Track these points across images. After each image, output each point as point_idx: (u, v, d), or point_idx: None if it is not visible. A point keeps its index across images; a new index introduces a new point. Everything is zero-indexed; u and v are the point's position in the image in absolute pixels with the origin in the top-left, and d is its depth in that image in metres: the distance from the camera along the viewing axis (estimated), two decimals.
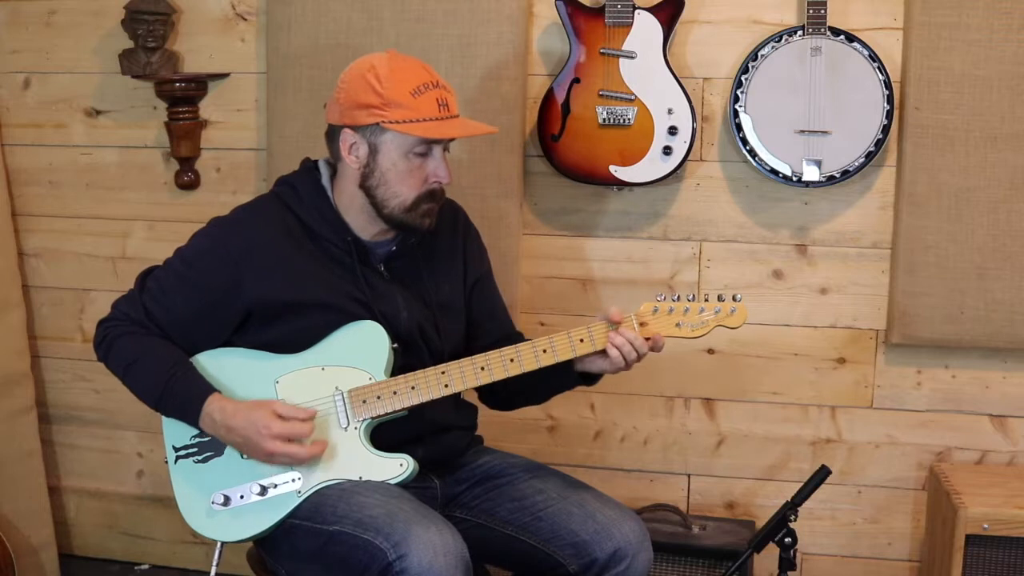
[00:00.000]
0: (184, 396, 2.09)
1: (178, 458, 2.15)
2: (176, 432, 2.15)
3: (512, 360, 2.08)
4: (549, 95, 2.75)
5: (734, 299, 2.09)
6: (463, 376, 2.09)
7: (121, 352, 2.14)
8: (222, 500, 2.10)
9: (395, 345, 2.12)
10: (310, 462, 2.07)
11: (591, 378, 2.18)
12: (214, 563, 2.27)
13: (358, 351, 2.11)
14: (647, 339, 2.08)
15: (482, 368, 2.09)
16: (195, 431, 2.12)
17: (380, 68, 2.08)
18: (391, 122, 2.06)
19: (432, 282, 2.24)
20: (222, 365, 2.15)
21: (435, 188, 2.14)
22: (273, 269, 2.11)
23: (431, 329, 2.21)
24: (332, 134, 2.16)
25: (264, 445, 2.03)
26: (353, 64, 2.15)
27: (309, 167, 2.23)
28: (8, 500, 3.08)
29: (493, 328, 2.34)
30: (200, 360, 2.15)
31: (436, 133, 2.08)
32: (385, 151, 2.09)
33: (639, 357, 2.08)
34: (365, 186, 2.13)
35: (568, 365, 2.12)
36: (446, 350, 2.21)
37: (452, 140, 2.15)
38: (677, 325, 2.09)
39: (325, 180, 2.19)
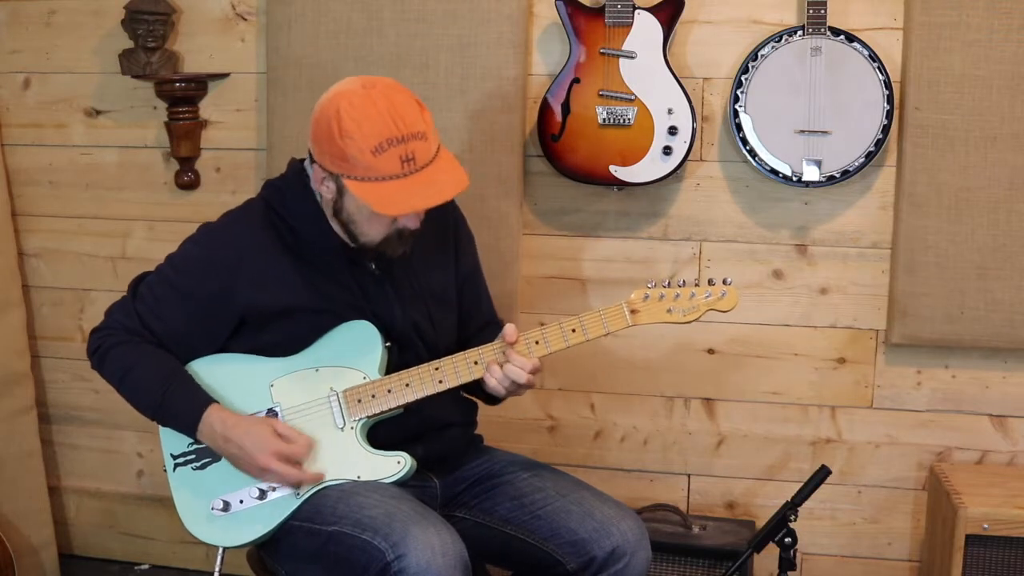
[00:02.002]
0: (182, 407, 2.09)
1: (176, 466, 2.15)
2: (174, 440, 2.15)
3: (503, 352, 2.08)
4: (549, 95, 2.74)
5: (724, 283, 2.08)
6: (456, 371, 2.09)
7: (116, 362, 2.14)
8: (222, 505, 2.11)
9: (388, 344, 2.12)
10: (299, 485, 2.07)
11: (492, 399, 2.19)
12: (216, 568, 2.27)
13: (351, 351, 2.11)
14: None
15: (475, 362, 2.09)
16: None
17: (344, 117, 1.96)
18: (350, 178, 1.99)
19: (424, 275, 2.23)
20: (216, 371, 2.15)
21: (403, 230, 2.09)
22: (264, 275, 2.11)
23: (426, 323, 2.21)
24: (311, 155, 2.09)
25: (259, 459, 2.04)
26: (325, 98, 2.03)
27: (297, 169, 2.19)
28: (8, 500, 3.08)
29: (477, 316, 2.35)
30: (194, 367, 2.15)
31: (388, 208, 1.98)
32: (350, 196, 2.04)
33: (519, 385, 2.07)
34: (338, 218, 2.10)
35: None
36: (441, 343, 2.21)
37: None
38: (668, 311, 2.08)
39: (313, 183, 2.17)
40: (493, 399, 2.21)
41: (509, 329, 2.07)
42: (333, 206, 2.09)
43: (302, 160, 2.20)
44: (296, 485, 2.07)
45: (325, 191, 2.08)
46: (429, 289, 2.23)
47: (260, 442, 2.04)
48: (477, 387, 2.17)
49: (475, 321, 2.34)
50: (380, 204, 1.97)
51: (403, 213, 2.02)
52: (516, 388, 2.09)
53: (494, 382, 2.07)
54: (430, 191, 1.99)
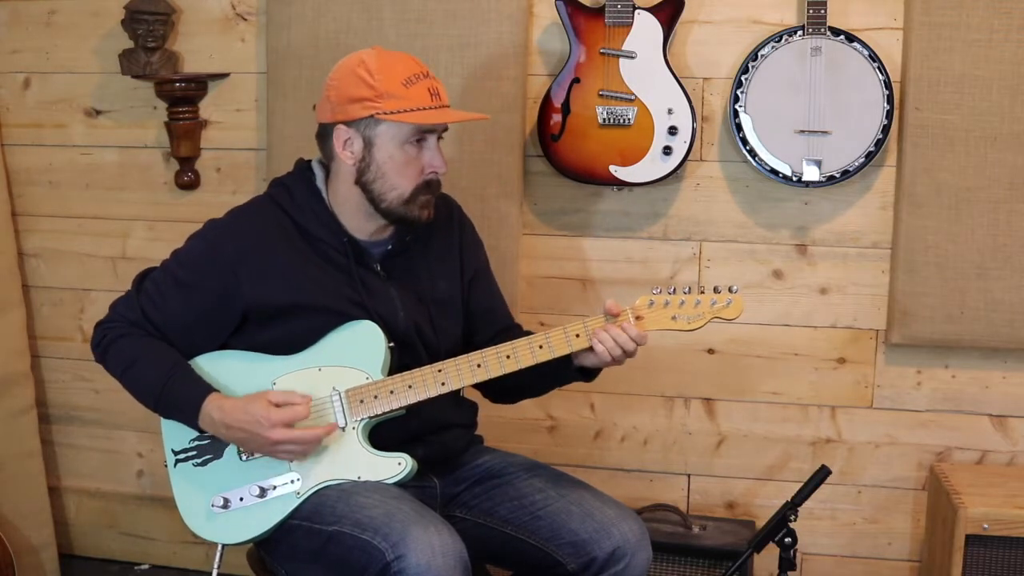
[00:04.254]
0: (183, 397, 2.09)
1: (177, 462, 2.15)
2: (175, 436, 2.15)
3: (508, 356, 2.08)
4: (549, 95, 2.75)
5: (730, 290, 2.08)
6: (459, 374, 2.09)
7: (119, 354, 2.14)
8: (221, 503, 2.11)
9: (391, 344, 2.12)
10: (316, 446, 2.06)
11: (589, 373, 2.18)
12: (215, 566, 2.27)
13: (355, 351, 2.11)
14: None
15: (478, 365, 2.09)
16: (194, 434, 2.13)
17: (370, 62, 2.08)
18: (385, 113, 2.06)
19: (429, 280, 2.23)
20: (219, 368, 2.15)
21: (432, 179, 2.14)
22: (269, 272, 2.11)
23: (428, 328, 2.21)
24: (324, 133, 2.15)
25: (268, 435, 2.02)
26: (341, 62, 2.14)
27: (303, 167, 2.22)
28: (8, 500, 3.08)
29: (491, 322, 2.33)
30: (197, 363, 2.15)
31: (431, 120, 2.08)
32: (380, 144, 2.09)
33: (626, 353, 2.07)
34: (361, 182, 2.12)
35: (567, 359, 2.12)
36: (443, 348, 2.21)
37: (446, 129, 2.16)
38: (673, 318, 2.08)
39: (320, 181, 2.18)
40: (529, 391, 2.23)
41: (610, 303, 2.06)
42: (358, 168, 2.11)
43: (309, 160, 2.23)
44: (313, 446, 2.05)
45: (348, 156, 2.11)
46: (432, 294, 2.23)
47: (261, 419, 2.02)
48: (517, 382, 2.16)
49: (488, 326, 2.32)
50: (421, 120, 2.06)
51: (440, 121, 2.10)
52: (622, 357, 2.08)
53: (603, 348, 2.04)
54: (462, 114, 2.18)
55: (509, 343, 2.09)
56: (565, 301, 2.94)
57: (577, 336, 2.07)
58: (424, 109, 2.07)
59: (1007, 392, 2.80)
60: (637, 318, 2.08)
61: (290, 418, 2.04)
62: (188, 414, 2.09)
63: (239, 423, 2.04)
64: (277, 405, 2.05)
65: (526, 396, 2.35)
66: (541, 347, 2.08)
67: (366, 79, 2.06)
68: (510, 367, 2.08)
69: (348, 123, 2.10)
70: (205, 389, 2.09)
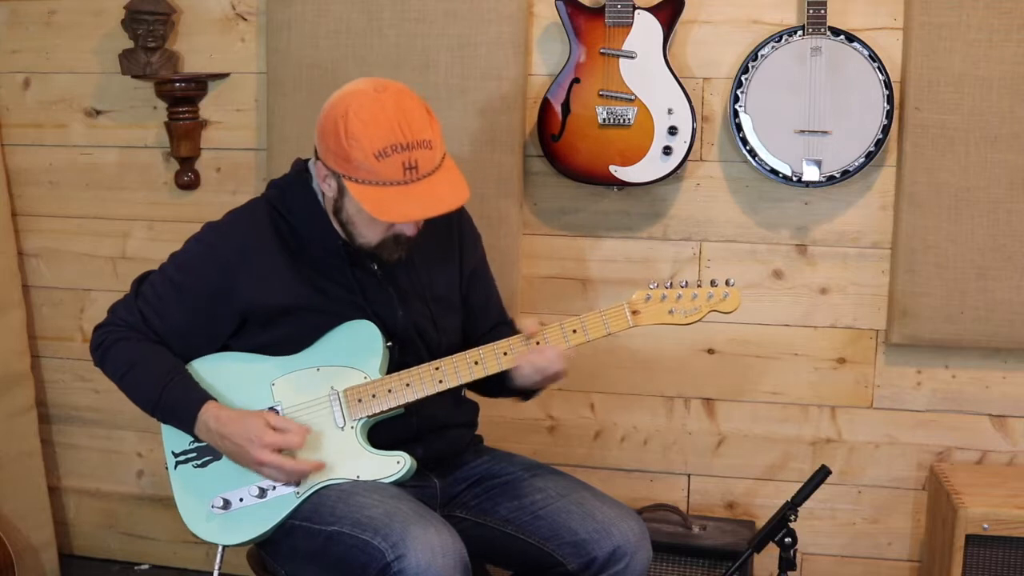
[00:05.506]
0: (179, 404, 2.09)
1: (178, 463, 2.16)
2: (175, 438, 2.16)
3: (506, 353, 2.09)
4: (548, 95, 2.74)
5: (727, 284, 2.08)
6: (457, 371, 2.09)
7: (117, 358, 2.15)
8: (222, 503, 2.11)
9: (389, 344, 2.12)
10: (298, 477, 2.07)
11: (526, 393, 2.20)
12: (216, 567, 2.27)
13: (352, 351, 2.11)
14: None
15: (476, 362, 2.09)
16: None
17: (352, 119, 1.96)
18: (350, 179, 1.99)
19: (427, 276, 2.23)
20: (218, 370, 2.15)
21: (399, 234, 2.09)
22: (266, 275, 2.11)
23: (428, 325, 2.21)
24: (316, 152, 2.10)
25: (255, 454, 2.04)
26: (335, 97, 2.03)
27: (300, 168, 2.20)
28: (8, 500, 3.08)
29: (487, 317, 2.34)
30: (195, 366, 2.16)
31: (385, 214, 1.96)
32: (350, 198, 2.03)
33: (543, 373, 2.08)
34: (337, 217, 2.11)
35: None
36: (443, 344, 2.21)
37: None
38: (670, 312, 2.08)
39: (316, 183, 2.17)
40: (521, 393, 2.20)
41: (529, 323, 2.07)
42: (334, 204, 2.10)
43: (306, 160, 2.21)
44: (295, 476, 2.07)
45: (327, 189, 2.09)
46: (431, 290, 2.23)
47: (253, 436, 2.04)
48: (502, 386, 2.16)
49: (484, 322, 2.33)
50: (377, 210, 1.97)
51: (399, 221, 2.02)
52: (546, 378, 2.09)
53: (528, 369, 2.07)
54: (429, 201, 1.99)
55: (506, 340, 2.10)
56: (565, 301, 2.94)
57: (574, 332, 2.08)
58: (394, 185, 1.96)
59: (1007, 392, 2.80)
60: (634, 312, 2.08)
61: (282, 444, 2.05)
62: (184, 421, 2.10)
63: (233, 435, 2.05)
64: (275, 428, 2.06)
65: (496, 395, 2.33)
66: (538, 343, 2.09)
67: (341, 138, 1.96)
68: (507, 364, 2.09)
69: (326, 163, 2.05)
70: (202, 397, 2.09)
